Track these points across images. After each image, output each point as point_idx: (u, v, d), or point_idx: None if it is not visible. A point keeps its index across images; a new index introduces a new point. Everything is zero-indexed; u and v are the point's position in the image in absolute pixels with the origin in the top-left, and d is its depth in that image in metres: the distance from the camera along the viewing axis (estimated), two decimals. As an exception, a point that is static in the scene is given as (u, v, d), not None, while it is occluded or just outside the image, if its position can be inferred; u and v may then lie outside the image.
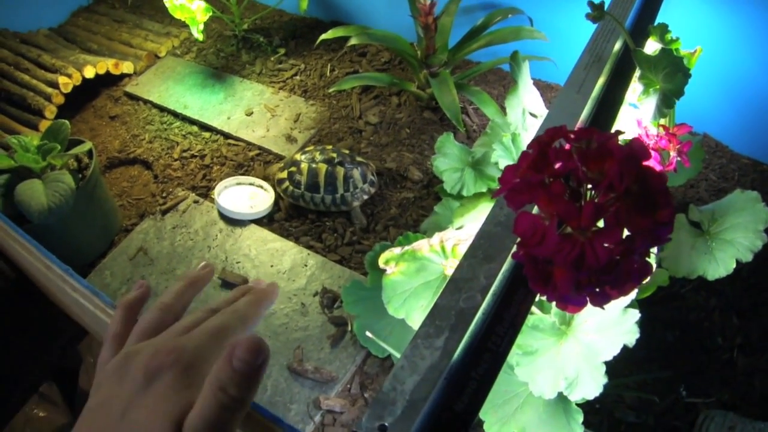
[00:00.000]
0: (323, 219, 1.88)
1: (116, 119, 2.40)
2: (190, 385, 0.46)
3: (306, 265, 1.75)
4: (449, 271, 0.97)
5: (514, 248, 0.75)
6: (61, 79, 2.27)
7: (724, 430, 1.35)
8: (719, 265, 1.13)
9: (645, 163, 0.60)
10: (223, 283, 1.75)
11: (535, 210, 0.75)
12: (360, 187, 1.83)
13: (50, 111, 2.26)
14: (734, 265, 1.11)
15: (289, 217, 1.91)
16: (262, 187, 1.99)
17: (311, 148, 1.91)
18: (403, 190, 1.92)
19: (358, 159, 1.88)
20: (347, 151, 1.90)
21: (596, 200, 0.59)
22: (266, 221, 1.92)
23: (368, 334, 1.13)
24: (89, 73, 2.34)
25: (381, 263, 1.00)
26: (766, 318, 1.59)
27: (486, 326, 0.73)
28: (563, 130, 0.65)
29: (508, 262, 0.75)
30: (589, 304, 0.60)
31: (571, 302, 0.61)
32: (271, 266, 1.76)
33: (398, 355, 1.13)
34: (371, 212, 1.88)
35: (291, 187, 1.85)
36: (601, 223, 0.56)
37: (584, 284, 0.60)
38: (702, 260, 1.14)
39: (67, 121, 1.79)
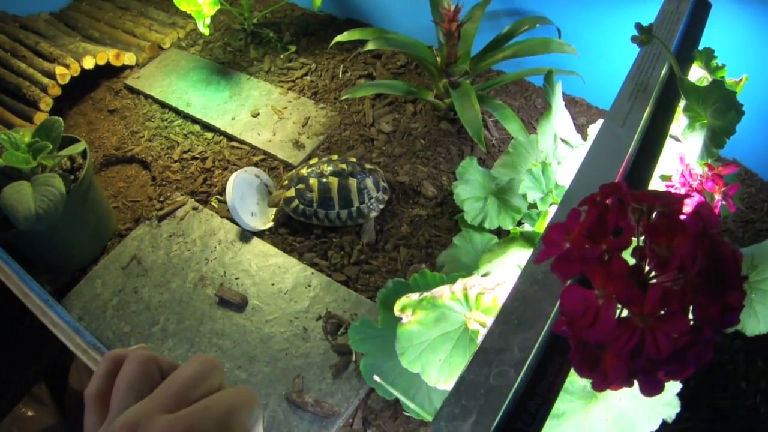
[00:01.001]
0: (329, 234, 1.78)
1: (115, 113, 2.31)
2: None
3: (309, 286, 1.65)
4: (472, 325, 0.88)
5: (553, 315, 0.66)
6: (59, 70, 2.18)
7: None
8: (759, 320, 1.02)
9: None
10: (220, 300, 1.66)
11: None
12: (375, 196, 1.73)
13: (46, 103, 2.17)
14: (775, 322, 1.01)
15: (293, 231, 1.80)
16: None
17: (315, 160, 1.80)
18: (415, 207, 1.82)
19: (368, 166, 1.78)
20: (354, 160, 1.80)
21: (659, 278, 0.51)
22: (267, 234, 1.82)
23: (377, 378, 1.04)
24: (88, 64, 2.26)
25: (397, 310, 0.91)
26: (793, 362, 1.49)
27: (517, 403, 0.64)
28: (622, 188, 0.57)
29: (544, 330, 0.65)
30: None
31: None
32: (272, 284, 1.67)
33: (408, 403, 1.04)
34: (381, 228, 1.78)
35: (302, 206, 1.74)
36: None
37: (637, 372, 0.52)
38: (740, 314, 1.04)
39: (60, 119, 1.70)
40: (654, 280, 0.51)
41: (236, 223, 1.81)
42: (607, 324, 0.50)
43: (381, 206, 1.75)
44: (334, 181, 1.72)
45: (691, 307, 0.49)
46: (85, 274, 1.81)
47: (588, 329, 0.51)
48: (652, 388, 0.52)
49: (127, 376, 0.49)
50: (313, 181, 1.73)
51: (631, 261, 0.51)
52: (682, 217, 0.52)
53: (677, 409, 0.82)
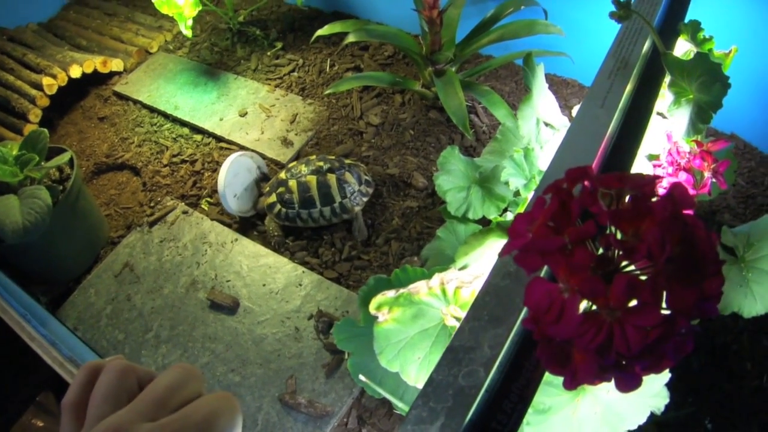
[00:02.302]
0: (321, 232, 1.75)
1: (105, 121, 2.30)
2: None
3: (301, 284, 1.62)
4: (449, 321, 0.84)
5: (526, 310, 0.63)
6: (45, 81, 2.16)
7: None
8: (757, 300, 0.98)
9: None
10: (212, 304, 1.64)
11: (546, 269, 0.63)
12: (357, 189, 1.69)
13: (35, 114, 2.16)
14: (774, 302, 0.97)
15: (285, 229, 1.78)
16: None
17: (294, 164, 1.76)
18: (406, 199, 1.78)
19: (348, 162, 1.75)
20: (333, 157, 1.77)
21: (627, 266, 0.48)
22: (257, 234, 1.79)
23: (362, 377, 1.01)
24: (75, 72, 2.24)
25: (372, 309, 0.88)
26: (800, 340, 1.45)
27: (491, 402, 0.61)
28: (588, 172, 0.53)
29: (516, 325, 0.62)
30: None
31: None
32: (263, 285, 1.64)
33: (397, 402, 1.01)
34: (372, 223, 1.75)
35: (284, 210, 1.71)
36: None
37: (610, 368, 0.49)
38: (737, 294, 1.00)
39: (45, 130, 1.69)
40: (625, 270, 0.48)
41: (222, 205, 1.80)
42: (572, 319, 0.47)
43: (365, 199, 1.71)
44: (312, 179, 1.69)
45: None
46: (79, 284, 1.80)
47: (553, 325, 0.48)
48: (628, 383, 0.50)
49: (105, 386, 0.48)
50: (292, 182, 1.71)
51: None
52: (655, 200, 0.48)
53: (666, 400, 0.79)
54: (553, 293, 0.47)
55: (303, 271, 1.66)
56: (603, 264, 0.48)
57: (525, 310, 0.62)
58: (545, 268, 0.61)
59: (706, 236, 0.47)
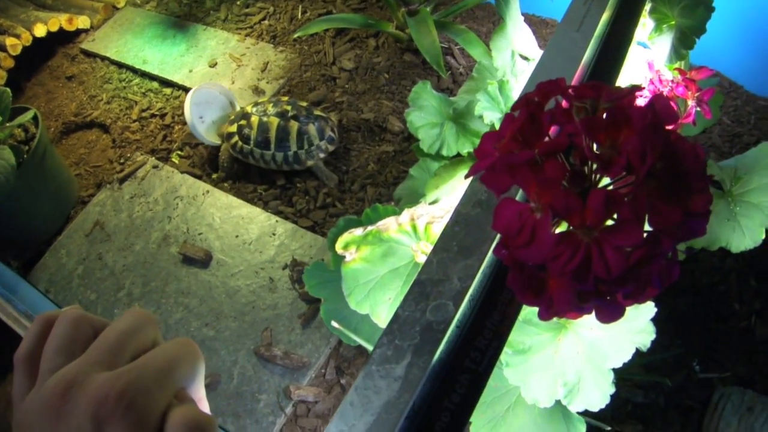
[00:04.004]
0: (294, 180, 1.72)
1: (73, 79, 2.26)
2: None
3: (275, 234, 1.59)
4: (420, 258, 0.80)
5: (498, 239, 0.59)
6: (9, 41, 2.12)
7: (742, 410, 1.20)
8: (745, 234, 0.95)
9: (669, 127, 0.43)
10: (184, 258, 1.61)
11: (521, 194, 0.59)
12: (316, 144, 1.66)
13: (-1, 76, 2.09)
14: (763, 236, 0.94)
15: (258, 179, 1.74)
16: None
17: (265, 99, 1.73)
18: (382, 144, 1.75)
19: (316, 113, 1.71)
20: (305, 104, 1.74)
21: (607, 185, 0.43)
22: (230, 185, 1.75)
23: (335, 324, 0.97)
24: (40, 31, 2.19)
25: (339, 248, 0.84)
26: (788, 280, 1.43)
27: (462, 339, 0.58)
28: (560, 84, 0.49)
29: (490, 254, 0.59)
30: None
31: (569, 313, 0.46)
32: (236, 236, 1.61)
33: (371, 348, 0.97)
34: (346, 169, 1.71)
35: (240, 143, 1.69)
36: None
37: (589, 295, 0.45)
38: (724, 228, 0.97)
39: (7, 89, 1.68)
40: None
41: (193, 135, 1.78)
42: (545, 240, 0.43)
43: (322, 155, 1.68)
44: (274, 121, 1.66)
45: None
46: (50, 246, 1.77)
47: (525, 248, 0.44)
48: (609, 313, 0.46)
49: (58, 336, 0.46)
50: (254, 118, 1.68)
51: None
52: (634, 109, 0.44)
53: (652, 336, 0.76)
54: (524, 214, 0.43)
55: (277, 221, 1.63)
56: (577, 180, 0.44)
57: (498, 239, 0.58)
58: (520, 193, 0.57)
59: (691, 149, 0.43)
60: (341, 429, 0.48)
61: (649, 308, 0.77)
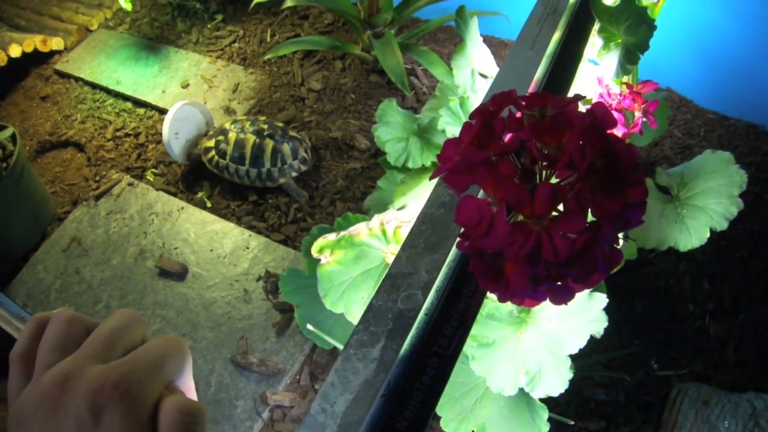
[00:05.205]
0: (266, 196, 1.77)
1: (47, 99, 2.28)
2: (138, 424, 0.42)
3: (248, 248, 1.64)
4: (391, 259, 0.86)
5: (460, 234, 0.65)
6: (-15, 61, 2.12)
7: (698, 404, 1.27)
8: (691, 234, 1.03)
9: (610, 131, 0.50)
10: (161, 271, 1.64)
11: (481, 194, 0.65)
12: (289, 163, 1.71)
13: (-26, 96, 2.12)
14: (708, 235, 1.02)
15: (231, 196, 1.78)
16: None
17: (243, 117, 1.78)
18: (350, 161, 1.80)
19: (292, 133, 1.77)
20: (281, 124, 1.79)
21: (553, 181, 0.50)
22: (206, 199, 1.79)
23: (310, 327, 1.02)
24: (15, 52, 2.21)
25: (314, 252, 0.89)
26: (738, 281, 1.52)
27: (431, 327, 0.63)
28: (512, 95, 0.55)
29: (454, 250, 0.64)
30: (547, 292, 0.51)
31: (527, 298, 0.51)
32: (211, 251, 1.65)
33: (345, 350, 1.03)
34: (316, 186, 1.77)
35: (216, 157, 1.74)
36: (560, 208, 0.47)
37: (542, 279, 0.51)
38: (672, 229, 1.05)
39: None
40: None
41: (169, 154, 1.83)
42: (501, 230, 0.48)
43: (294, 174, 1.74)
44: (250, 138, 1.71)
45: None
46: (27, 261, 1.79)
47: (484, 237, 0.49)
48: (561, 296, 0.51)
49: (53, 335, 0.48)
50: (232, 135, 1.73)
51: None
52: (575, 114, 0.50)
53: (605, 324, 0.82)
54: (482, 208, 0.49)
55: (250, 235, 1.67)
56: (527, 177, 0.50)
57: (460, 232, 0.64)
58: (480, 193, 0.63)
59: (626, 148, 0.49)
60: (324, 407, 0.52)
61: (601, 299, 0.83)
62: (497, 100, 0.54)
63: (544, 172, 0.50)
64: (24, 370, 0.48)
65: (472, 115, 0.54)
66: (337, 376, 0.54)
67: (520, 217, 0.48)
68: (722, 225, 1.01)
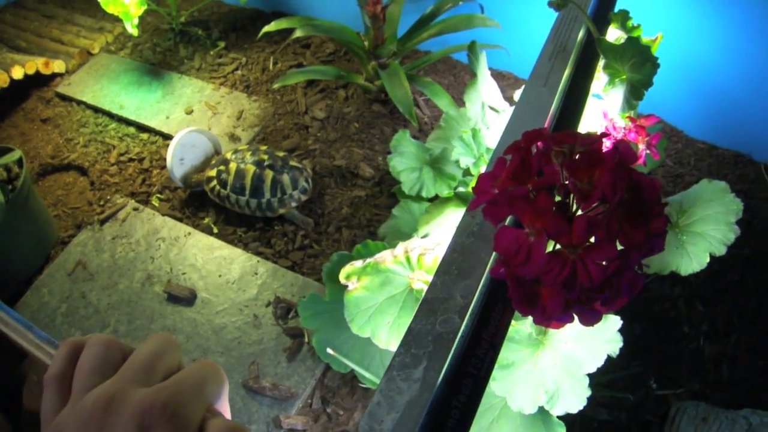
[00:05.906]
0: (273, 223, 1.80)
1: (48, 122, 2.29)
2: None
3: (256, 273, 1.66)
4: (416, 284, 0.91)
5: (491, 263, 0.69)
6: (-13, 83, 2.14)
7: (697, 421, 1.31)
8: (692, 259, 1.08)
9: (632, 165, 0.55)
10: (169, 296, 1.66)
11: (509, 220, 0.68)
12: (289, 193, 1.75)
13: (-24, 117, 2.13)
14: (707, 260, 1.07)
15: (237, 222, 1.82)
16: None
17: (244, 147, 1.82)
18: (354, 188, 1.84)
19: (292, 163, 1.80)
20: (282, 154, 1.82)
21: (584, 212, 0.54)
22: (213, 225, 1.83)
23: (330, 351, 1.06)
24: (17, 73, 2.23)
25: (342, 278, 0.93)
26: (730, 303, 1.57)
27: (465, 349, 0.67)
28: (543, 133, 0.59)
29: (485, 275, 0.68)
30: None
31: (557, 320, 0.56)
32: (219, 276, 1.68)
33: (363, 372, 1.06)
34: (321, 213, 1.81)
35: (218, 187, 1.77)
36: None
37: (573, 303, 0.55)
38: (674, 255, 1.10)
39: None
40: (579, 213, 0.53)
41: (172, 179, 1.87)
42: (539, 258, 0.52)
43: (294, 204, 1.77)
44: (250, 169, 1.74)
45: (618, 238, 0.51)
46: (30, 285, 1.79)
47: (522, 266, 0.53)
48: (590, 318, 0.55)
49: (91, 358, 0.49)
50: (232, 165, 1.76)
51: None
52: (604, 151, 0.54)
53: (620, 344, 0.87)
54: (521, 238, 0.53)
55: (258, 261, 1.70)
56: (562, 210, 0.54)
57: (490, 263, 0.68)
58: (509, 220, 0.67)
59: (650, 182, 0.54)
60: (371, 425, 0.54)
61: (615, 321, 0.88)
62: (529, 137, 0.58)
63: (574, 204, 0.55)
64: (59, 391, 0.48)
65: (507, 151, 0.58)
66: (383, 396, 0.56)
67: (555, 246, 0.53)
68: (721, 250, 1.06)
